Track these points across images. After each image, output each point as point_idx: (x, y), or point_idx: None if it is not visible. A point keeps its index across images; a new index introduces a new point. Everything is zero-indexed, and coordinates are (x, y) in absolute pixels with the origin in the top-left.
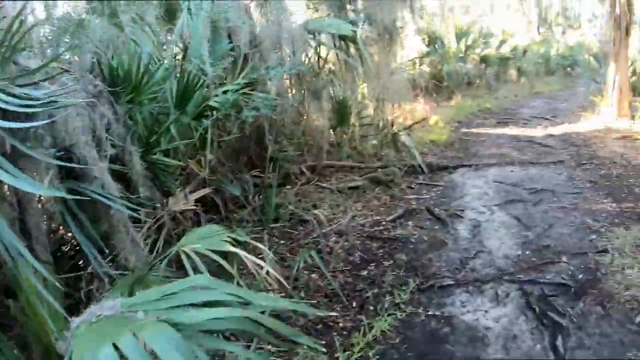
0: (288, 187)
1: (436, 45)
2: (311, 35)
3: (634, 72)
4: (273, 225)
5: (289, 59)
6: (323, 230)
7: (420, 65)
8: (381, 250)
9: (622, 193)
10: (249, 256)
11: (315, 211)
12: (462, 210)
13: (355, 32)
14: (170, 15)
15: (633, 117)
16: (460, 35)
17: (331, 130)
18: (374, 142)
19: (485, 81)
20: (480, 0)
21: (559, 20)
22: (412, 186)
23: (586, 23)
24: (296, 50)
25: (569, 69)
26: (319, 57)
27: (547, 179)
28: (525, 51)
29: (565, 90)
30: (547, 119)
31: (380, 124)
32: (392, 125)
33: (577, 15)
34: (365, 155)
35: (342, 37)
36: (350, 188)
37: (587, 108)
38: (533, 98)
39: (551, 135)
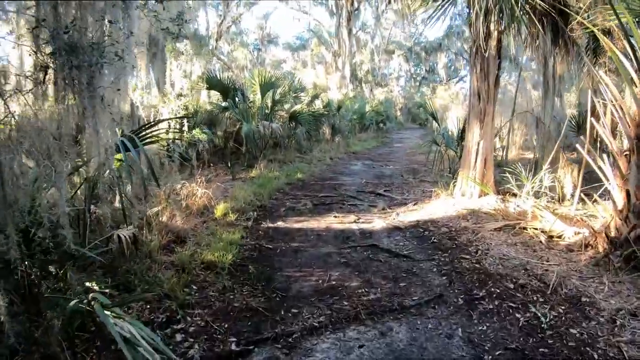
0: None
1: (236, 99)
2: None
3: None
4: None
5: None
6: None
7: (188, 129)
8: None
9: None
10: None
11: None
12: None
13: None
14: None
15: (503, 194)
16: (266, 87)
17: None
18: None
19: (296, 141)
20: (292, 55)
21: (368, 77)
22: None
23: (393, 80)
24: None
25: (381, 124)
26: None
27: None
28: (339, 107)
29: (381, 147)
30: (380, 194)
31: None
32: (136, 245)
33: (383, 75)
34: None
35: None
36: None
37: (423, 175)
38: (351, 160)
39: (399, 230)
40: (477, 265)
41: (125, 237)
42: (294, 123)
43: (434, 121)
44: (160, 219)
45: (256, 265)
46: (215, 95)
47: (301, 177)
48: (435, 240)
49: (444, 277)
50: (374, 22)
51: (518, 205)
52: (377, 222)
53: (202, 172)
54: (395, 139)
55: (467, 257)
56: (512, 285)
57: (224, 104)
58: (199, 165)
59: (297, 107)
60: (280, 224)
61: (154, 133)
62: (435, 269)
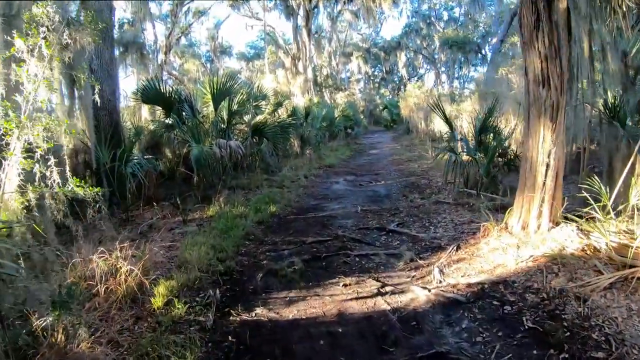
0: None
1: (183, 114)
2: None
3: None
4: None
5: None
6: None
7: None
8: None
9: None
10: None
11: None
12: None
13: None
14: None
15: (576, 222)
16: (220, 96)
17: None
18: None
19: (261, 160)
20: (247, 64)
21: (328, 82)
22: None
23: (354, 83)
24: None
25: (349, 130)
26: None
27: None
28: (307, 114)
29: (358, 157)
30: (393, 230)
31: None
32: None
33: (342, 79)
34: None
35: None
36: None
37: (434, 193)
38: (330, 176)
39: (459, 305)
40: None
41: None
42: (257, 137)
43: (403, 122)
44: (53, 339)
45: None
46: (161, 111)
47: (275, 211)
48: (531, 325)
49: None
50: (329, 24)
51: (597, 236)
52: (415, 290)
53: (143, 213)
54: (367, 145)
55: (600, 355)
56: None
57: (168, 120)
58: (138, 206)
59: (260, 118)
60: (260, 312)
61: None
62: None
